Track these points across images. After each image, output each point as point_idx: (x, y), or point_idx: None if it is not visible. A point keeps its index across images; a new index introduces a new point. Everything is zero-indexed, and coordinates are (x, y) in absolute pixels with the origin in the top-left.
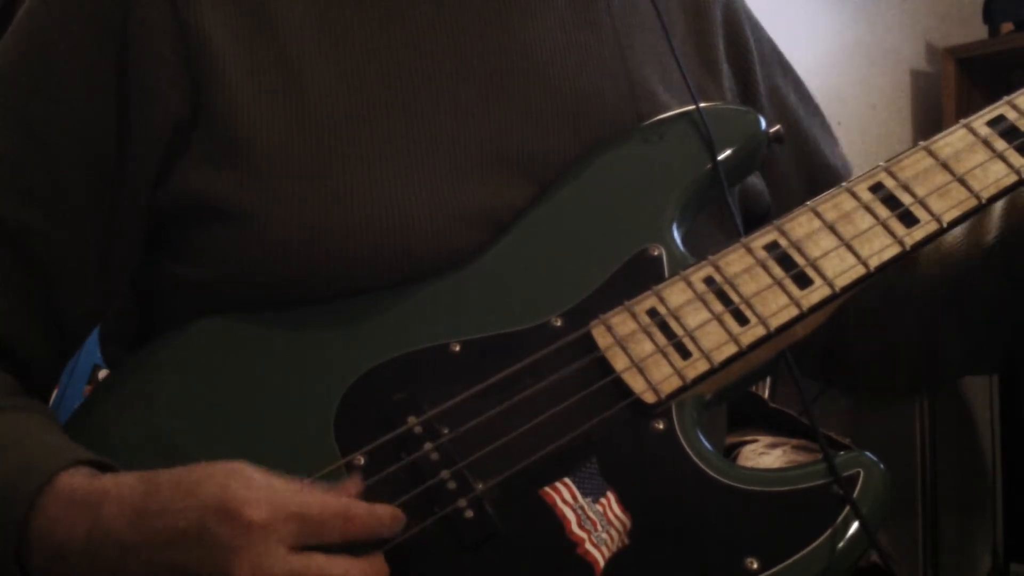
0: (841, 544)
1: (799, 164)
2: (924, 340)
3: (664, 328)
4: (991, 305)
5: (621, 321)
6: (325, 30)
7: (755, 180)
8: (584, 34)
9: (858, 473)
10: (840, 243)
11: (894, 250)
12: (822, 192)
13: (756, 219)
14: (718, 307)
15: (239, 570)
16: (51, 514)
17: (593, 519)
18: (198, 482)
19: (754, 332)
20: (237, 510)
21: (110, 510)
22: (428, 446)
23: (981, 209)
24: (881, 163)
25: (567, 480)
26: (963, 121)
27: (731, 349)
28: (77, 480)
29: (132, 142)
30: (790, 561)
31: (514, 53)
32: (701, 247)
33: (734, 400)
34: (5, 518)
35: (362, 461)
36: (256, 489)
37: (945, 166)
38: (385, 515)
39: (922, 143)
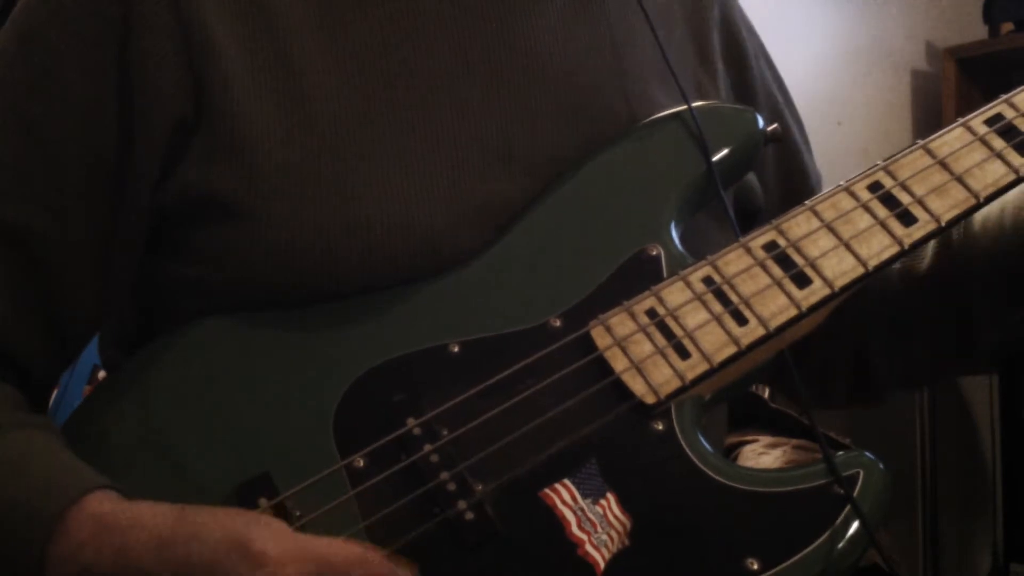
0: (841, 544)
1: (779, 166)
2: (857, 354)
3: (663, 329)
4: (922, 326)
5: (620, 322)
6: (326, 29)
7: (750, 177)
8: (582, 30)
9: (858, 473)
10: (839, 243)
11: (893, 250)
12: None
13: (749, 216)
14: (717, 307)
15: None
16: (77, 537)
17: (593, 520)
18: (227, 518)
19: (754, 333)
20: (251, 544)
21: (138, 536)
22: (428, 448)
23: (979, 208)
24: (879, 162)
25: (567, 481)
26: (961, 120)
27: (731, 350)
28: (107, 505)
29: (133, 141)
30: (791, 561)
31: (514, 51)
32: (699, 245)
33: (733, 400)
34: (27, 538)
35: (361, 463)
36: (277, 532)
37: (943, 165)
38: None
39: (920, 142)
